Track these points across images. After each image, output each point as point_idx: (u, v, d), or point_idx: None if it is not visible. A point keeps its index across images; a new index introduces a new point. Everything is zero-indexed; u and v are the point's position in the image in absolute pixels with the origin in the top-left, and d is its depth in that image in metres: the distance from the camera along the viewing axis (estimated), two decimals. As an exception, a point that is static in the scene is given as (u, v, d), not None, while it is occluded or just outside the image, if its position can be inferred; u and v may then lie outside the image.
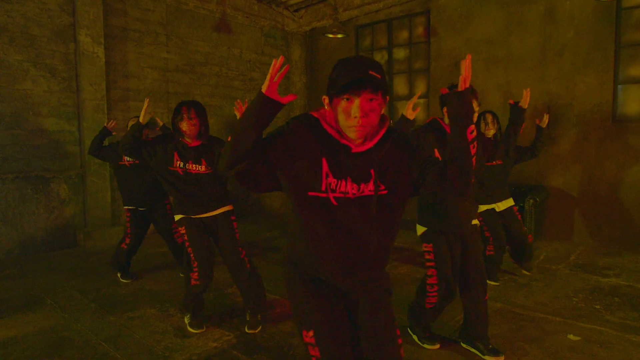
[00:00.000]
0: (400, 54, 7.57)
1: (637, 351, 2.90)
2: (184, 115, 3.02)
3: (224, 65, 7.54)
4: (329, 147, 1.52)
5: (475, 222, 2.86)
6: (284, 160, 1.52)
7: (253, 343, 3.08)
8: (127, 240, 4.40)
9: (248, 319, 3.30)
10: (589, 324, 3.32)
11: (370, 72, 1.42)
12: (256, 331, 3.22)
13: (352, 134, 1.48)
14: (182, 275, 4.29)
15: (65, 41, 5.65)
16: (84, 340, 3.14)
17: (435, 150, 2.72)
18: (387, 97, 1.53)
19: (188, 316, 3.34)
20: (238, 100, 2.76)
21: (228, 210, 3.28)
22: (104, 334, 3.24)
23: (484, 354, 2.79)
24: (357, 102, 1.44)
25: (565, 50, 5.78)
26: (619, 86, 5.51)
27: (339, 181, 1.52)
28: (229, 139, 1.55)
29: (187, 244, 3.15)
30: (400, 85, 7.60)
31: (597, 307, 3.68)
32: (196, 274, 3.11)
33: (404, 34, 7.49)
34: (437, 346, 2.95)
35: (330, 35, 6.41)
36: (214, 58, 7.37)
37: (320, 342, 1.55)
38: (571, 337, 3.12)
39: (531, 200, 5.24)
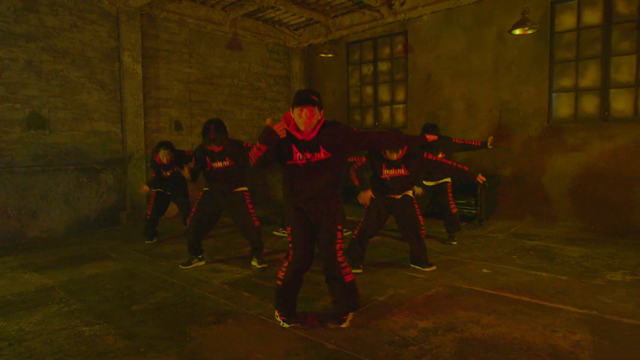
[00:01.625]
0: (383, 66, 8.99)
1: (526, 277, 4.29)
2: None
3: (236, 77, 8.98)
4: (293, 138, 2.98)
5: (409, 193, 4.44)
6: (280, 150, 2.99)
7: (266, 273, 4.49)
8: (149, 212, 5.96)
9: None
10: (501, 264, 4.71)
11: (311, 97, 2.85)
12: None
13: (302, 127, 2.91)
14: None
15: (112, 61, 7.09)
16: (148, 275, 4.55)
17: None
18: (322, 110, 2.97)
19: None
20: (269, 120, 4.17)
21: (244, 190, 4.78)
22: (161, 271, 4.66)
23: (423, 267, 4.41)
24: (305, 111, 2.87)
25: (512, 65, 7.18)
26: (553, 94, 6.90)
27: (302, 153, 2.98)
28: (255, 152, 2.97)
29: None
30: (384, 93, 9.02)
31: (514, 257, 5.06)
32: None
33: (386, 50, 8.91)
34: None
35: (323, 55, 7.83)
36: (227, 71, 8.81)
37: (294, 234, 3.12)
38: (485, 270, 4.52)
39: (481, 186, 6.62)
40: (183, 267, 4.71)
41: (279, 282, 3.19)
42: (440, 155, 5.41)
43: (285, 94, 10.08)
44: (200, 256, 4.85)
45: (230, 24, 8.55)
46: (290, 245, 3.16)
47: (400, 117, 8.83)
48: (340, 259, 3.15)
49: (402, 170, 4.31)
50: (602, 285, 4.01)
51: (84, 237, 6.41)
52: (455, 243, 5.66)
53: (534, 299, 3.69)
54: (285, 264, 3.18)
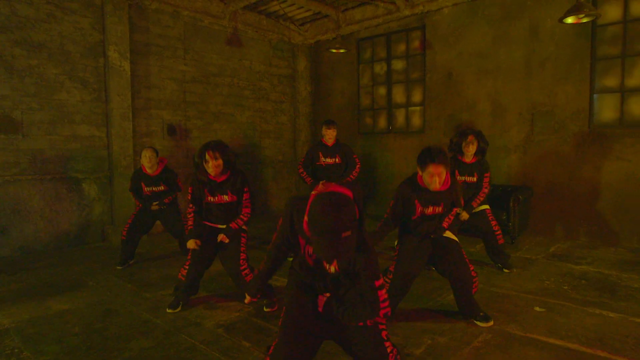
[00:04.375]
0: (398, 65, 8.18)
1: (590, 318, 3.48)
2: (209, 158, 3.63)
3: (236, 76, 8.18)
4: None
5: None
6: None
7: (269, 313, 3.67)
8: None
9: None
10: (554, 299, 3.90)
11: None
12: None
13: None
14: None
15: (96, 56, 6.29)
16: (127, 311, 3.74)
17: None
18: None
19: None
20: None
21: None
22: (143, 306, 3.84)
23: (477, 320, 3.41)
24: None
25: (547, 63, 6.37)
26: (595, 95, 6.09)
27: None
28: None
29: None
30: (398, 94, 8.21)
31: (565, 287, 4.25)
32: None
33: (401, 47, 8.11)
34: None
35: (334, 50, 7.02)
36: (226, 70, 8.01)
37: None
38: (537, 309, 3.70)
39: (513, 198, 5.81)
40: (170, 311, 3.76)
41: None
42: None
43: (290, 94, 9.27)
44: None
45: (229, 18, 7.75)
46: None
47: (416, 121, 8.02)
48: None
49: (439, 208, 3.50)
50: (694, 334, 3.20)
51: (62, 257, 5.61)
52: (510, 271, 4.78)
53: (613, 355, 2.88)
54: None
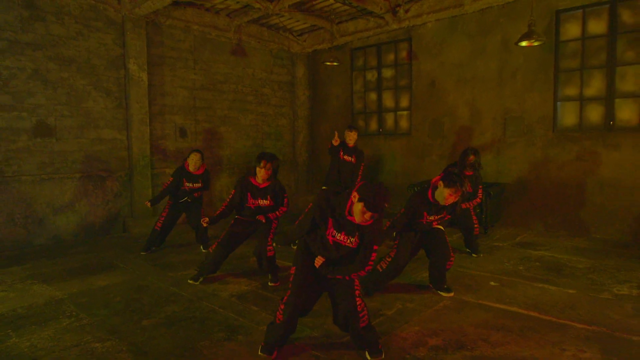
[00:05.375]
0: (388, 73, 9.00)
1: (532, 290, 4.31)
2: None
3: (240, 83, 8.99)
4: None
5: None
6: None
7: (273, 287, 4.50)
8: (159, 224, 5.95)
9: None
10: (508, 277, 4.73)
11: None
12: None
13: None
14: (203, 250, 5.98)
15: (118, 68, 7.10)
16: (156, 286, 4.57)
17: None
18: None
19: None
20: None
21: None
22: (169, 282, 4.67)
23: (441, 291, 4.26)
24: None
25: (517, 73, 7.19)
26: (558, 103, 6.91)
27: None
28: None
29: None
30: (388, 99, 9.03)
31: (520, 268, 5.08)
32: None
33: (390, 57, 8.92)
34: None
35: (328, 64, 7.84)
36: (231, 77, 8.82)
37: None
38: (492, 283, 4.53)
39: (486, 193, 6.63)
40: (191, 282, 4.66)
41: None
42: None
43: (289, 99, 10.10)
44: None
45: (234, 30, 8.56)
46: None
47: (404, 124, 8.85)
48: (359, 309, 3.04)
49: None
50: (610, 300, 4.03)
51: (90, 245, 6.43)
52: (478, 255, 5.65)
53: (542, 315, 3.71)
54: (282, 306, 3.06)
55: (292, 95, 10.12)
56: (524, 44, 5.28)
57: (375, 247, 2.90)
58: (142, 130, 7.30)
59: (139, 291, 4.43)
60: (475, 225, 5.63)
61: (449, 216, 4.31)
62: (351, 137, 6.65)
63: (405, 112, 8.79)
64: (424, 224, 4.17)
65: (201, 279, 4.65)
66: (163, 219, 5.89)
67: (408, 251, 4.26)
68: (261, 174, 4.48)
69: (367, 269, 2.92)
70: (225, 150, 8.79)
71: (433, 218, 4.16)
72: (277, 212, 4.67)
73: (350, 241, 2.94)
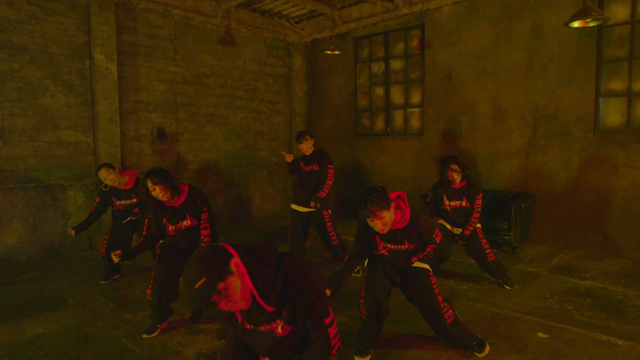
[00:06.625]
0: (397, 65, 7.92)
1: (597, 347, 3.26)
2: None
3: (229, 76, 7.93)
4: None
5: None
6: None
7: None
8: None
9: None
10: (558, 323, 3.68)
11: None
12: None
13: None
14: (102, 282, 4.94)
15: (81, 58, 6.05)
16: (105, 337, 3.54)
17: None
18: None
19: None
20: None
21: None
22: (122, 331, 3.63)
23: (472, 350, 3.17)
24: None
25: (550, 64, 6.11)
26: (600, 99, 5.84)
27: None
28: None
29: None
30: (397, 95, 7.96)
31: (569, 307, 4.03)
32: None
33: (400, 46, 7.84)
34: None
35: (328, 52, 6.76)
36: (218, 70, 7.76)
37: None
38: (540, 334, 3.48)
39: (515, 207, 5.58)
40: (146, 337, 3.53)
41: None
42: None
43: (285, 94, 9.02)
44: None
45: (222, 16, 7.48)
46: None
47: (415, 122, 7.77)
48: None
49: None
50: None
51: (45, 269, 5.40)
52: (512, 287, 4.54)
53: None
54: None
55: (289, 90, 9.04)
56: (575, 24, 4.20)
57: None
58: (111, 130, 6.24)
59: (81, 345, 3.39)
60: (487, 250, 4.55)
61: (429, 248, 3.22)
62: (304, 147, 5.29)
63: (416, 110, 7.71)
64: (385, 254, 3.21)
65: (157, 331, 3.58)
66: (105, 242, 4.88)
67: (379, 284, 3.24)
68: (157, 195, 3.46)
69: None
70: (212, 153, 7.73)
71: (393, 247, 3.16)
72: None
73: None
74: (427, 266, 3.29)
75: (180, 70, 7.20)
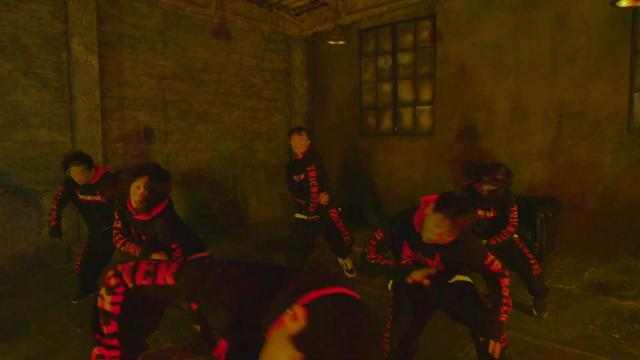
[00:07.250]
0: (405, 58, 7.32)
1: (662, 392, 2.67)
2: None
3: (223, 71, 7.33)
4: None
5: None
6: None
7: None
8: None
9: None
10: (606, 357, 3.08)
11: None
12: None
13: None
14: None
15: (58, 50, 5.46)
16: (65, 376, 2.94)
17: None
18: None
19: None
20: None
21: None
22: (87, 368, 3.03)
23: None
24: None
25: (577, 56, 5.51)
26: (635, 94, 5.24)
27: None
28: None
29: None
30: (405, 91, 7.35)
31: (616, 336, 3.43)
32: None
33: (408, 38, 7.24)
34: None
35: (332, 42, 6.16)
36: (212, 64, 7.16)
37: None
38: (589, 374, 2.89)
39: (542, 215, 4.97)
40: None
41: None
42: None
43: (284, 91, 8.42)
44: None
45: (216, 6, 6.89)
46: None
47: (425, 121, 7.17)
48: None
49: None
50: None
51: (14, 285, 4.80)
52: (540, 315, 3.86)
53: None
54: None
55: (288, 87, 8.44)
56: (624, 3, 3.59)
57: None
58: (91, 130, 5.65)
59: (34, 388, 2.80)
60: (532, 260, 3.95)
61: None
62: (294, 142, 4.56)
63: (427, 107, 7.11)
64: (402, 258, 2.62)
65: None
66: (81, 257, 4.28)
67: (410, 313, 2.63)
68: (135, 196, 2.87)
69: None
70: (205, 154, 7.13)
71: (423, 259, 2.58)
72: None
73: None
74: (468, 279, 2.69)
75: (169, 64, 6.60)
